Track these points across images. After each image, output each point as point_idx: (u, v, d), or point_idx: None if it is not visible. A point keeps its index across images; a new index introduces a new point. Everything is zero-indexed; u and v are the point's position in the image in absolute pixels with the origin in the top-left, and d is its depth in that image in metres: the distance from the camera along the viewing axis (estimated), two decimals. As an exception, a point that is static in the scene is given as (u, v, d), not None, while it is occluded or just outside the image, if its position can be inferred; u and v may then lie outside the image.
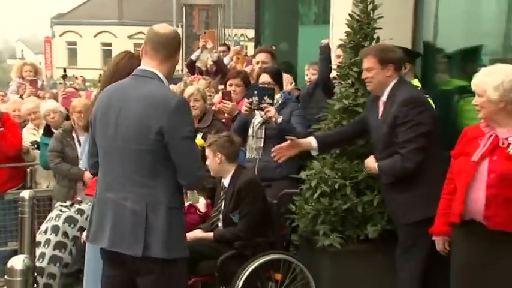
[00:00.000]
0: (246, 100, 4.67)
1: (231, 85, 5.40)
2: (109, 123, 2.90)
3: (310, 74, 5.55)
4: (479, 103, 3.06)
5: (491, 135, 3.06)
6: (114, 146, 2.90)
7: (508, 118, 3.04)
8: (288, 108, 4.70)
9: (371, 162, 3.76)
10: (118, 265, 2.99)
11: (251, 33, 11.67)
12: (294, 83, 6.00)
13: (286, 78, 5.50)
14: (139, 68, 2.98)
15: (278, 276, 3.97)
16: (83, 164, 5.01)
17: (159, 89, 2.91)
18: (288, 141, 3.86)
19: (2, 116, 5.79)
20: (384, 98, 3.73)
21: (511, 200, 2.97)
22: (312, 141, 3.91)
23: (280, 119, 4.51)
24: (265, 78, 4.71)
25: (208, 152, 4.13)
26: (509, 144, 3.01)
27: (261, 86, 4.66)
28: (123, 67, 3.39)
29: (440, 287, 3.71)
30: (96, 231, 3.00)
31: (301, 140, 3.90)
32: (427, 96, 4.21)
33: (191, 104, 4.85)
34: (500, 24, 4.67)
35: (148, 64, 2.95)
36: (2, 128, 5.71)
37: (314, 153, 3.98)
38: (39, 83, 7.58)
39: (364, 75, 3.76)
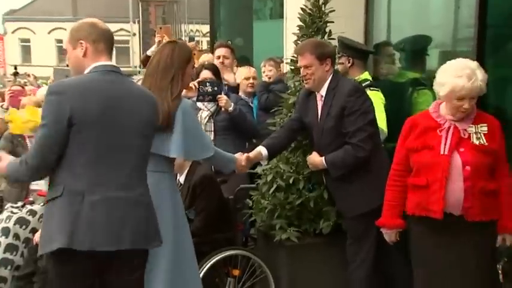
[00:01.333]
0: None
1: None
2: (114, 120, 2.71)
3: (267, 71, 5.52)
4: (472, 104, 3.05)
5: (450, 127, 3.08)
6: (121, 143, 2.73)
7: None
8: (231, 100, 4.71)
9: (316, 158, 3.73)
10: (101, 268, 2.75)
11: (206, 28, 11.60)
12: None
13: (250, 70, 5.51)
14: (108, 64, 2.80)
15: (236, 272, 3.94)
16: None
17: (140, 86, 2.98)
18: (243, 161, 3.68)
19: None
20: (322, 93, 3.72)
21: (484, 190, 3.02)
22: (262, 150, 3.80)
23: (231, 108, 4.57)
24: (206, 74, 4.69)
25: None
26: (469, 134, 3.06)
27: (209, 80, 4.65)
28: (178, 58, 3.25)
29: (392, 273, 3.77)
30: (104, 235, 2.67)
31: (252, 153, 3.77)
32: (377, 88, 4.25)
33: None
34: (448, 17, 4.73)
35: (108, 61, 2.82)
36: None
37: (264, 162, 3.94)
38: None
39: (303, 72, 3.72)
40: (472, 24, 4.20)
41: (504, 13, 4.16)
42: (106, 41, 2.80)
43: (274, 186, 3.90)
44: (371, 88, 4.16)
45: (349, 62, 4.38)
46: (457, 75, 3.02)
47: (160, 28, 8.50)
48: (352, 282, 3.77)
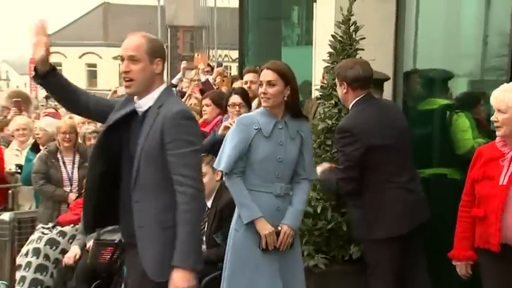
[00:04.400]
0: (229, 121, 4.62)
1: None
2: None
3: None
4: (501, 120, 2.98)
5: None
6: None
7: None
8: None
9: (325, 166, 3.80)
10: None
11: (235, 54, 11.71)
12: None
13: None
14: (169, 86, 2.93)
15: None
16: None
17: None
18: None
19: None
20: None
21: None
22: None
23: None
24: (235, 98, 4.66)
25: (207, 169, 4.02)
26: None
27: None
28: None
29: None
30: None
31: None
32: None
33: None
34: (475, 47, 4.69)
35: None
36: None
37: None
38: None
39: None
40: (503, 53, 4.17)
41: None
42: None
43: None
44: None
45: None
46: (495, 90, 3.02)
47: (198, 55, 8.63)
48: None
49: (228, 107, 4.63)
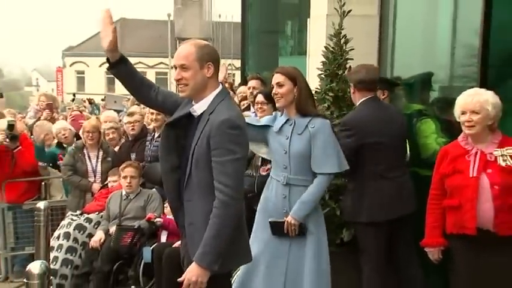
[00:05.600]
0: None
1: None
2: None
3: None
4: (475, 119, 2.99)
5: (476, 152, 3.02)
6: None
7: (488, 134, 3.04)
8: None
9: None
10: None
11: (238, 63, 11.69)
12: None
13: None
14: (225, 88, 2.69)
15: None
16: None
17: None
18: None
19: (20, 136, 5.70)
20: None
21: None
22: None
23: None
24: (260, 98, 4.55)
25: None
26: (495, 157, 2.99)
27: None
28: None
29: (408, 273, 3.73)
30: None
31: None
32: None
33: None
34: (447, 58, 4.68)
35: None
36: (20, 147, 5.61)
37: None
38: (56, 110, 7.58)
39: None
40: (470, 63, 4.18)
41: (504, 54, 4.09)
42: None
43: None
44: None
45: (383, 94, 4.36)
46: (462, 95, 3.07)
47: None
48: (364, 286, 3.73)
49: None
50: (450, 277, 3.17)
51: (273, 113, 3.63)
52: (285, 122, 3.33)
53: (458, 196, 3.04)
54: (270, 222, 3.24)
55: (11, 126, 5.56)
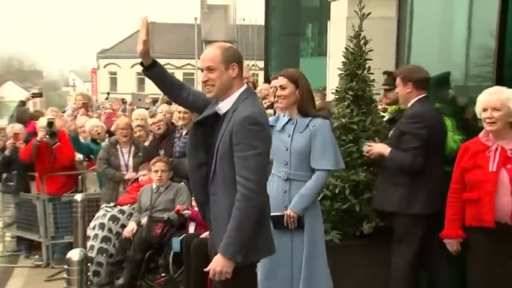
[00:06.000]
0: None
1: None
2: None
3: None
4: (496, 116, 2.95)
5: (497, 148, 2.98)
6: None
7: (509, 131, 2.99)
8: None
9: (384, 147, 3.68)
10: None
11: (261, 64, 11.69)
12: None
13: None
14: (250, 87, 2.68)
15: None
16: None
17: None
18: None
19: (59, 133, 5.81)
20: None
21: None
22: None
23: None
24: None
25: None
26: None
27: None
28: None
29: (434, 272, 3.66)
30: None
31: None
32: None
33: None
34: (463, 58, 4.61)
35: None
36: (58, 143, 5.72)
37: None
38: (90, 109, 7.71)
39: (396, 90, 3.78)
40: (485, 63, 4.11)
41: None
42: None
43: (321, 195, 3.82)
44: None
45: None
46: (484, 92, 3.02)
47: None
48: (393, 277, 3.66)
49: None
50: (468, 268, 3.13)
51: (276, 114, 3.63)
52: (287, 122, 3.34)
53: (478, 190, 3.00)
54: (271, 216, 3.25)
55: (50, 124, 5.66)
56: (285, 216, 3.25)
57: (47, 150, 5.74)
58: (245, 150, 2.39)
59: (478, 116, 3.08)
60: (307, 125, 3.29)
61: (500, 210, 2.91)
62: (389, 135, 3.90)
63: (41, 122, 5.83)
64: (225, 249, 2.41)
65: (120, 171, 5.46)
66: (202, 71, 2.56)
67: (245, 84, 2.61)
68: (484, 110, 3.00)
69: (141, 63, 2.64)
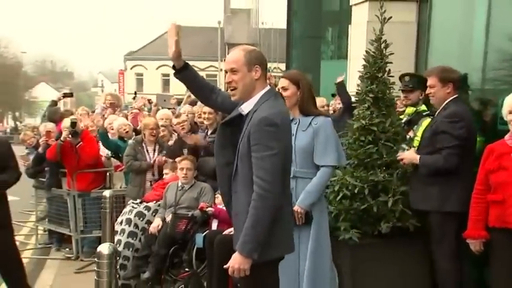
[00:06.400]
0: None
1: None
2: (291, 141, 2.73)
3: (336, 104, 5.55)
4: None
5: None
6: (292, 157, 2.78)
7: None
8: None
9: (414, 154, 3.65)
10: None
11: (283, 66, 11.68)
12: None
13: (323, 100, 5.52)
14: (273, 88, 2.68)
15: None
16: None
17: None
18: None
19: (82, 132, 5.88)
20: (438, 111, 3.69)
21: None
22: None
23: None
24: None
25: None
26: None
27: None
28: None
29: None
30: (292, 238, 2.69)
31: None
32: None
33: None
34: (482, 61, 4.53)
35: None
36: (81, 143, 5.80)
37: None
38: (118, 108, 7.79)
39: (428, 91, 3.73)
40: (502, 67, 4.06)
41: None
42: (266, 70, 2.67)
43: (341, 194, 3.80)
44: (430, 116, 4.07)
45: (421, 95, 4.29)
46: (510, 95, 2.98)
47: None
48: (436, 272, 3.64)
49: None
50: (491, 269, 3.08)
51: None
52: (291, 121, 3.32)
53: (502, 191, 2.95)
54: None
55: (73, 124, 5.75)
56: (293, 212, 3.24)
57: (71, 149, 5.83)
58: (262, 150, 2.40)
59: (505, 118, 3.03)
60: (310, 123, 3.32)
61: None
62: (420, 135, 3.84)
63: (65, 123, 5.92)
64: (242, 247, 2.41)
65: (146, 170, 5.49)
66: (227, 72, 2.57)
67: (268, 86, 2.61)
68: (510, 112, 2.96)
69: (173, 66, 2.67)
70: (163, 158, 5.46)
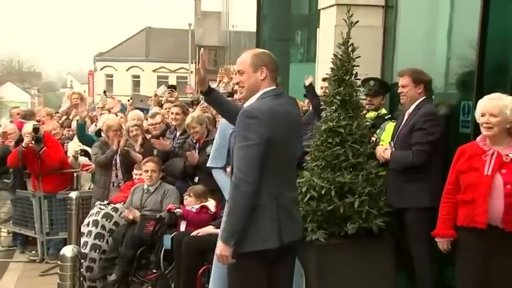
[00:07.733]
0: None
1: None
2: (291, 135, 2.65)
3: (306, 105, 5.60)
4: (493, 122, 2.94)
5: (493, 153, 2.97)
6: (291, 153, 2.69)
7: (506, 137, 2.99)
8: None
9: (386, 150, 3.76)
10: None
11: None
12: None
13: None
14: (277, 88, 2.70)
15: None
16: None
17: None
18: None
19: (44, 137, 5.70)
20: (409, 110, 3.78)
21: None
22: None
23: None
24: None
25: None
26: (511, 159, 2.94)
27: None
28: None
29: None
30: (287, 228, 2.62)
31: None
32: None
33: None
34: (443, 68, 4.62)
35: (275, 86, 2.71)
36: (44, 148, 5.63)
37: None
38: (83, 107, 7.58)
39: (400, 90, 3.83)
40: (463, 72, 4.15)
41: (499, 62, 4.04)
42: (277, 72, 2.74)
43: (308, 196, 3.80)
44: (392, 120, 4.11)
45: (382, 100, 4.35)
46: (484, 98, 3.03)
47: (222, 70, 8.53)
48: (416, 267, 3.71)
49: None
50: (456, 268, 3.12)
51: None
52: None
53: (472, 192, 2.98)
54: None
55: (36, 129, 5.57)
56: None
57: (34, 155, 5.67)
58: (240, 141, 2.47)
59: (477, 121, 3.07)
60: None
61: (492, 212, 2.90)
62: (391, 136, 3.91)
63: (27, 128, 5.71)
64: (221, 234, 2.52)
65: (111, 169, 5.37)
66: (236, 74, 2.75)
67: (273, 86, 2.67)
68: (482, 115, 3.00)
69: (200, 91, 2.96)
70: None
